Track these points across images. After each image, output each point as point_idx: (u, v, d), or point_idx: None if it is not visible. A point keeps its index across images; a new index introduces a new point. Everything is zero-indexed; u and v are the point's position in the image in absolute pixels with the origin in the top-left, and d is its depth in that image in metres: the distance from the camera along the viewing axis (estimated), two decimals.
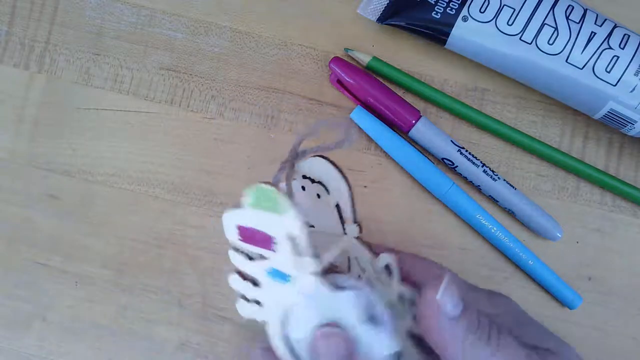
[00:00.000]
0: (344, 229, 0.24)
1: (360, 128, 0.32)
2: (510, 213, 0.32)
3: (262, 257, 0.22)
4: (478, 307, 0.24)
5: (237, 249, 0.22)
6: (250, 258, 0.22)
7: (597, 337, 0.31)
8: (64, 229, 0.33)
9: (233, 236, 0.22)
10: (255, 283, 0.23)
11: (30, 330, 0.33)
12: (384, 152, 0.32)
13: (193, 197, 0.33)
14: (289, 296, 0.22)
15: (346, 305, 0.21)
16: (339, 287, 0.21)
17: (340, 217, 0.24)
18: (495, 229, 0.31)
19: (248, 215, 0.21)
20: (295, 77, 0.33)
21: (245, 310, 0.23)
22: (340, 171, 0.23)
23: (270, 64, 0.33)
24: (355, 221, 0.24)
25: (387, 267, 0.23)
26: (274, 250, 0.21)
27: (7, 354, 0.33)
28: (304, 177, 0.24)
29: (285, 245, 0.21)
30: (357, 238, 0.24)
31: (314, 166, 0.23)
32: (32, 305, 0.33)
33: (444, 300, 0.22)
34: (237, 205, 0.21)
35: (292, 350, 0.23)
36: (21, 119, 0.34)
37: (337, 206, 0.24)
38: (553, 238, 0.31)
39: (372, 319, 0.21)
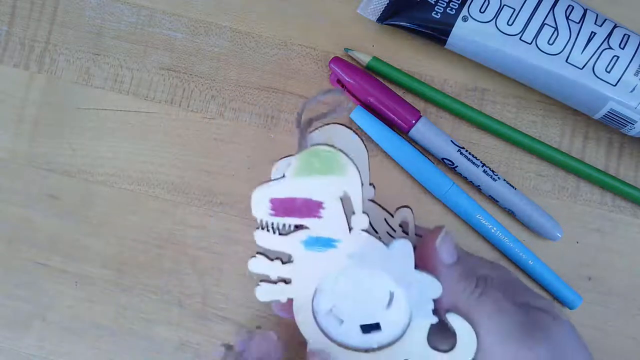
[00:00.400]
0: None
1: (360, 127, 0.32)
2: (510, 213, 0.32)
3: (298, 228, 0.22)
4: (473, 267, 0.25)
5: (265, 227, 0.22)
6: (281, 233, 0.22)
7: (597, 337, 0.31)
8: (64, 229, 0.33)
9: (263, 212, 0.22)
10: (283, 261, 0.23)
11: (30, 330, 0.33)
12: (384, 152, 0.32)
13: (193, 197, 0.33)
14: (332, 262, 0.22)
15: (402, 255, 0.22)
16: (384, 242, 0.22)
17: None
18: (495, 229, 0.31)
19: (287, 186, 0.21)
20: (295, 77, 0.33)
21: (267, 293, 0.23)
22: (358, 135, 0.24)
23: (270, 64, 0.34)
24: (370, 183, 0.25)
25: (403, 224, 0.25)
26: (320, 217, 0.21)
27: (7, 354, 0.33)
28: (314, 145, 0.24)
29: (336, 207, 0.21)
30: (371, 200, 0.25)
31: (331, 133, 0.24)
32: (32, 305, 0.33)
33: (441, 247, 0.24)
34: (268, 179, 0.21)
35: (318, 322, 0.24)
36: (21, 119, 0.34)
37: None
38: (553, 238, 0.31)
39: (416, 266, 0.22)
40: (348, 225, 0.21)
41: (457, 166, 0.31)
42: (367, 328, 0.24)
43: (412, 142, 0.32)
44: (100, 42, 0.34)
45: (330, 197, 0.21)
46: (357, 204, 0.21)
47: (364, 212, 0.21)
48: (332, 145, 0.20)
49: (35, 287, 0.33)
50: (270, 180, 0.21)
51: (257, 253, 0.23)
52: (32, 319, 0.33)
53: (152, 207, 0.33)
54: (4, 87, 0.34)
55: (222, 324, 0.32)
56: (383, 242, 0.22)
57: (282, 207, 0.21)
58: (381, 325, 0.24)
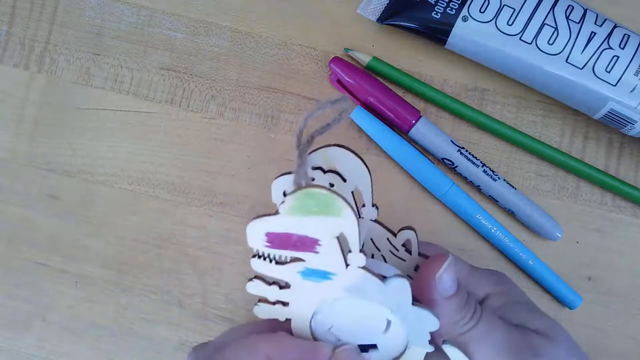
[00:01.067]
0: (359, 214, 0.25)
1: (360, 128, 0.32)
2: (510, 213, 0.32)
3: (295, 259, 0.22)
4: (476, 286, 0.26)
5: (262, 256, 0.22)
6: (278, 262, 0.22)
7: (597, 337, 0.31)
8: (64, 229, 0.33)
9: (259, 244, 0.22)
10: (280, 285, 0.23)
11: (30, 330, 0.33)
12: (384, 152, 0.32)
13: (193, 197, 0.33)
14: (328, 292, 0.22)
15: (399, 292, 0.22)
16: (383, 277, 0.22)
17: (355, 203, 0.24)
18: (495, 229, 0.31)
19: (281, 223, 0.21)
20: (295, 77, 0.33)
21: (265, 312, 0.24)
22: (359, 157, 0.23)
23: (270, 64, 0.33)
24: (373, 204, 0.25)
25: (406, 244, 0.25)
26: (316, 252, 0.21)
27: (7, 354, 0.33)
28: (314, 168, 0.24)
29: (332, 244, 0.21)
30: (375, 220, 0.25)
31: (330, 155, 0.24)
32: (32, 305, 0.33)
33: (441, 279, 0.23)
34: (265, 214, 0.21)
35: (315, 339, 0.24)
36: (21, 119, 0.34)
37: (352, 193, 0.24)
38: (553, 238, 0.31)
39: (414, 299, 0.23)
40: (344, 261, 0.21)
41: (457, 166, 0.31)
42: (365, 347, 0.24)
43: (412, 142, 0.32)
44: (100, 42, 0.34)
45: (326, 235, 0.21)
46: (354, 243, 0.21)
47: (361, 251, 0.21)
48: (329, 189, 0.20)
49: (35, 287, 0.33)
50: (266, 215, 0.21)
51: (255, 277, 0.23)
52: (32, 319, 0.33)
53: (152, 207, 0.33)
54: (4, 87, 0.34)
55: (222, 324, 0.32)
56: (380, 277, 0.22)
57: (278, 240, 0.21)
58: (378, 346, 0.24)
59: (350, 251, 0.21)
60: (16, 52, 0.34)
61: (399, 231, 0.25)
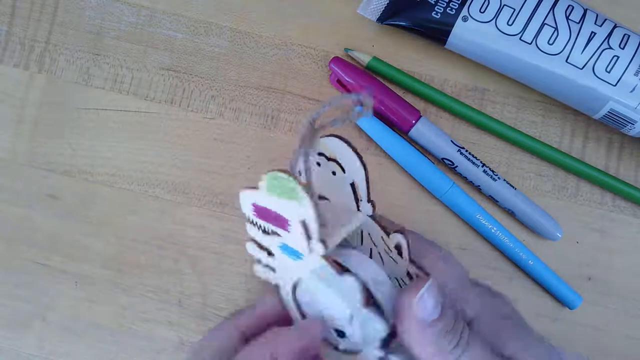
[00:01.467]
0: (358, 207, 0.25)
1: (360, 128, 0.32)
2: (510, 213, 0.32)
3: (275, 233, 0.23)
4: (473, 303, 0.24)
5: (252, 222, 0.24)
6: (265, 231, 0.24)
7: (597, 337, 0.31)
8: (64, 229, 0.33)
9: (248, 212, 0.23)
10: (269, 253, 0.25)
11: (30, 330, 0.33)
12: (384, 152, 0.32)
13: (193, 197, 0.33)
14: (299, 270, 0.24)
15: (349, 291, 0.22)
16: (344, 269, 0.22)
17: (355, 195, 0.25)
18: (495, 229, 0.31)
19: (263, 197, 0.22)
20: (295, 77, 0.33)
21: (261, 272, 0.26)
22: (355, 151, 0.24)
23: (270, 64, 0.34)
24: (369, 200, 0.25)
25: (397, 247, 0.24)
26: (288, 231, 0.22)
27: (7, 354, 0.33)
28: (319, 154, 0.25)
29: (297, 228, 0.22)
30: (371, 216, 0.25)
31: (329, 145, 0.24)
32: (32, 305, 0.33)
33: (419, 304, 0.22)
34: (254, 186, 0.22)
35: (299, 308, 0.25)
36: (21, 119, 0.34)
37: (352, 184, 0.25)
38: (553, 238, 0.31)
39: (368, 301, 0.22)
40: (308, 246, 0.22)
41: (457, 166, 0.31)
42: (340, 333, 0.24)
43: (412, 142, 0.32)
44: (100, 42, 0.34)
45: (293, 218, 0.22)
46: (314, 233, 0.21)
47: (321, 240, 0.21)
48: (292, 174, 0.20)
49: (35, 287, 0.33)
50: (253, 187, 0.22)
51: (252, 240, 0.25)
52: (32, 319, 0.33)
53: (152, 207, 0.33)
54: (4, 87, 0.34)
55: None
56: (340, 270, 0.22)
57: (261, 213, 0.23)
58: (347, 335, 0.24)
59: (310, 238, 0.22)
60: (16, 52, 0.34)
61: (391, 233, 0.24)
